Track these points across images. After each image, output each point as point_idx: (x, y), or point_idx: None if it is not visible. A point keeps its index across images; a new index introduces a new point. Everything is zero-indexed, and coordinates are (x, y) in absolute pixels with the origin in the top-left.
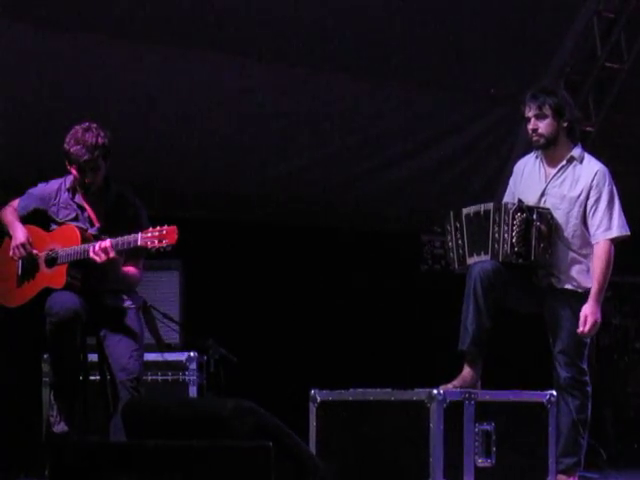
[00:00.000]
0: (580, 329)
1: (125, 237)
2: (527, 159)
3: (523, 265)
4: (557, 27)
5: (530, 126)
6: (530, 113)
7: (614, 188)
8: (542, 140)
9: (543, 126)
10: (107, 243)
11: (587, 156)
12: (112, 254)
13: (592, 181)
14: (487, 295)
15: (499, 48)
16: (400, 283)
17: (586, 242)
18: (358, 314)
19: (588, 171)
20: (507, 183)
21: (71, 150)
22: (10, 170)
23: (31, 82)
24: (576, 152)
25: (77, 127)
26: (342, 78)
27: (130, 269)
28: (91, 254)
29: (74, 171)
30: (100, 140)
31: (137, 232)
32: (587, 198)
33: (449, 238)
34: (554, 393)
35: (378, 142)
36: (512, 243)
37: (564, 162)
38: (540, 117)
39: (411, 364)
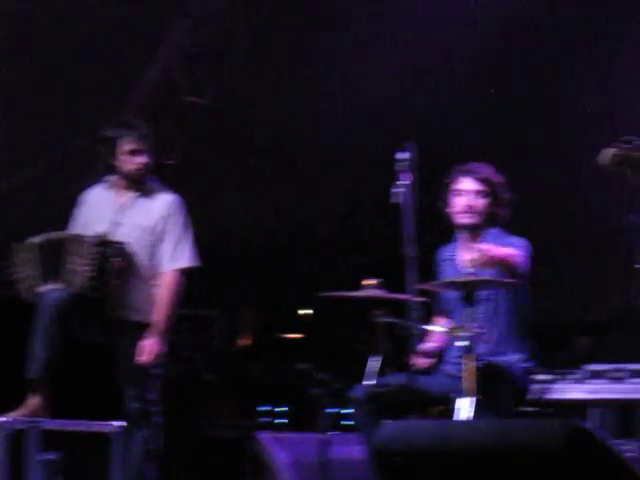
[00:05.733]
0: (138, 358)
1: None
2: (96, 189)
3: (97, 297)
4: (140, 58)
5: None
6: None
7: (187, 219)
8: None
9: None
10: None
11: (160, 187)
12: None
13: (166, 211)
14: (59, 323)
15: None
16: None
17: (158, 273)
18: None
19: (162, 201)
20: (74, 214)
21: None
22: None
23: None
24: (150, 183)
25: None
26: None
27: None
28: None
29: None
30: None
31: None
32: (161, 227)
33: (19, 270)
34: (123, 424)
35: None
36: (87, 276)
37: (139, 193)
38: None
39: None
